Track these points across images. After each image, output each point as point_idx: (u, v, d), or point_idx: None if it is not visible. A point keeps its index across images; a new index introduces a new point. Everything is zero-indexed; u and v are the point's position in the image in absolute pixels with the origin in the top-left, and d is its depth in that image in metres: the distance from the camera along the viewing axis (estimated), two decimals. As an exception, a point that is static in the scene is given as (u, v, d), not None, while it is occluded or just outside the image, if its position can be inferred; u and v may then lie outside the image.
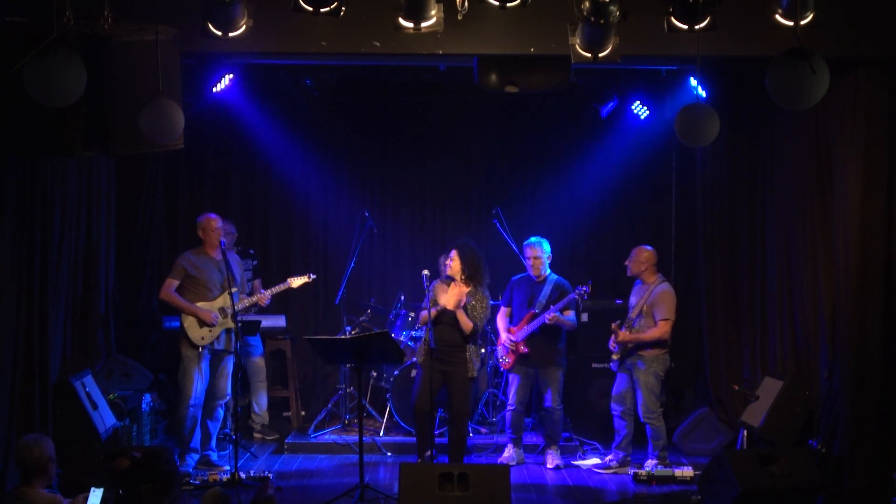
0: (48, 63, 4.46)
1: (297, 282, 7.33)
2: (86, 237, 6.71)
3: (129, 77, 5.07)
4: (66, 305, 6.47)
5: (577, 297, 7.06)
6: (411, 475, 5.48)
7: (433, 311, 6.57)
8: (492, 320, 7.57)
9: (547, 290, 7.18)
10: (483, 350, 7.91)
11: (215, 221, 7.02)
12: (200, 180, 8.90)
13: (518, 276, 7.44)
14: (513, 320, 7.32)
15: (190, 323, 6.86)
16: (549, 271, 7.26)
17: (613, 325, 7.02)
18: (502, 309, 7.45)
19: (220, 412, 7.14)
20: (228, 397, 7.06)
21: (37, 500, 4.64)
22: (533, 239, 7.29)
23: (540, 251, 7.20)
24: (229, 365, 7.00)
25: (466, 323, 6.67)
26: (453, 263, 6.82)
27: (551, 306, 7.05)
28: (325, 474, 7.01)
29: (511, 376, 7.29)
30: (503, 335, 7.30)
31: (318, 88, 8.13)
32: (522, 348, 7.14)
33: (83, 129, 5.08)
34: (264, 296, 7.16)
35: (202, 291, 6.93)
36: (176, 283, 6.92)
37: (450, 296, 6.75)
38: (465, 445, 6.90)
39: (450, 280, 6.85)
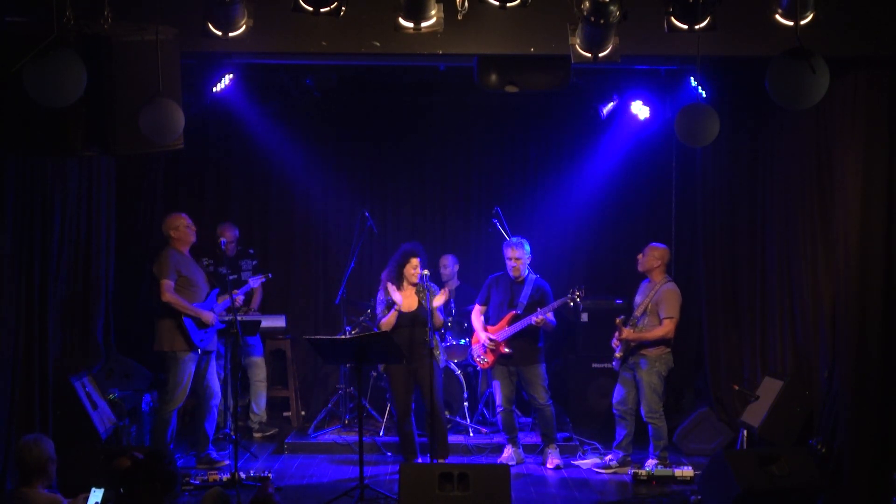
0: (48, 63, 4.46)
1: (256, 282, 7.75)
2: (86, 237, 6.70)
3: (129, 77, 5.05)
4: (66, 305, 6.48)
5: (568, 301, 7.02)
6: (411, 475, 5.49)
7: (392, 315, 6.85)
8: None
9: (528, 290, 7.14)
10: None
11: (186, 218, 7.08)
12: (200, 180, 8.90)
13: (494, 274, 7.39)
14: (489, 319, 7.30)
15: (189, 325, 6.86)
16: (528, 271, 7.22)
17: (618, 321, 6.99)
18: (477, 307, 7.39)
19: (216, 411, 7.15)
20: (219, 395, 7.11)
21: (37, 500, 4.64)
22: (514, 239, 7.23)
23: (521, 252, 7.12)
24: (214, 363, 7.07)
25: (439, 320, 6.89)
26: (419, 270, 6.90)
27: (538, 308, 7.00)
28: (325, 474, 7.01)
29: (493, 382, 7.29)
30: (481, 334, 7.24)
31: (318, 88, 8.12)
32: (504, 349, 7.11)
33: (83, 129, 5.06)
34: (238, 298, 7.32)
35: (191, 291, 6.93)
36: (172, 283, 6.89)
37: (412, 299, 6.94)
38: (447, 436, 7.00)
39: (398, 285, 6.94)
